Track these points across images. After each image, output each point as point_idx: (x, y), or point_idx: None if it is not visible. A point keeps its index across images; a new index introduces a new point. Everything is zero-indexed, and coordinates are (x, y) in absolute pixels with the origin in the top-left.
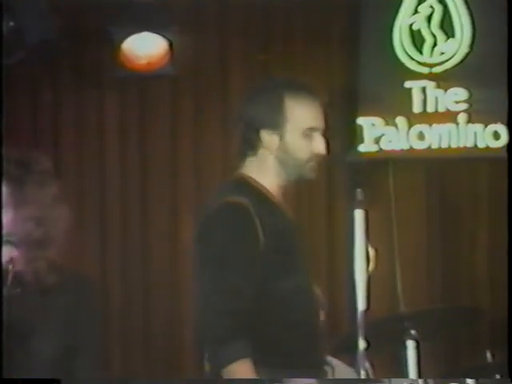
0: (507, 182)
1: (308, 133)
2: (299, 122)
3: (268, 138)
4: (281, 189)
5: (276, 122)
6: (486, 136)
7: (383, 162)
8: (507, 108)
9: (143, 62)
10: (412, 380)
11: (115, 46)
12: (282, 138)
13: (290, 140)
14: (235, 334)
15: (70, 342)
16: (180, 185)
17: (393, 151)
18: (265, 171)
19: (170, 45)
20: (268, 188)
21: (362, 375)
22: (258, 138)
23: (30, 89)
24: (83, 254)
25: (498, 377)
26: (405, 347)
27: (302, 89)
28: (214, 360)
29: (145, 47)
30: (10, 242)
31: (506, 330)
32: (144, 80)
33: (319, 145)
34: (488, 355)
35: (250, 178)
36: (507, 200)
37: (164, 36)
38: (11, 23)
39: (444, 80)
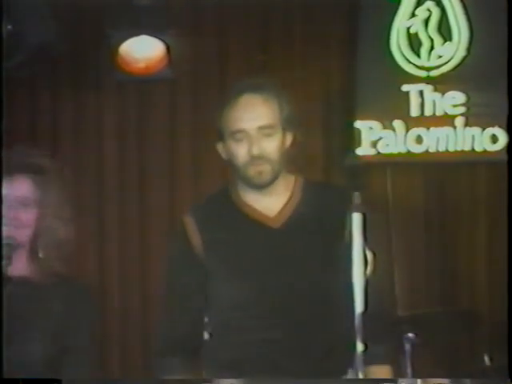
0: (507, 186)
1: (239, 136)
2: (229, 125)
3: (219, 149)
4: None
5: (217, 133)
6: (484, 139)
7: (381, 166)
8: (507, 112)
9: (141, 65)
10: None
11: (113, 49)
12: (224, 146)
13: (227, 145)
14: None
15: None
16: (178, 187)
17: (390, 155)
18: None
19: (168, 48)
20: (240, 198)
21: (360, 377)
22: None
23: (29, 91)
24: (81, 256)
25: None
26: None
27: (242, 91)
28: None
29: (143, 50)
30: (8, 245)
31: (504, 333)
32: (142, 83)
33: (249, 147)
34: (486, 359)
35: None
36: (507, 203)
37: (162, 39)
38: (9, 26)
39: (441, 83)
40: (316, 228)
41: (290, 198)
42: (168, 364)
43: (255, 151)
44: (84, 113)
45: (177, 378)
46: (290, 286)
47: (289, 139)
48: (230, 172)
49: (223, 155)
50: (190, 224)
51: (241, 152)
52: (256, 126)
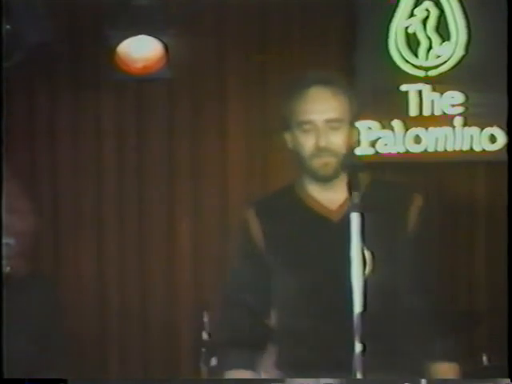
0: (507, 186)
1: (306, 128)
2: (297, 116)
3: (286, 137)
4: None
5: (285, 123)
6: (483, 139)
7: (379, 166)
8: (506, 111)
9: (139, 65)
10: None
11: (111, 49)
12: (292, 136)
13: (295, 136)
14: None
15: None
16: (177, 187)
17: (389, 155)
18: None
19: (167, 48)
20: (305, 191)
21: (359, 376)
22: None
23: (28, 91)
24: (80, 255)
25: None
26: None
27: (310, 82)
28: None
29: (141, 50)
30: (7, 245)
31: (503, 333)
32: (140, 83)
33: (316, 139)
34: (484, 358)
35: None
36: (507, 203)
37: (160, 39)
38: (8, 26)
39: (440, 83)
40: (376, 224)
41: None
42: (232, 356)
43: (322, 143)
44: (82, 112)
45: (243, 371)
46: (346, 280)
47: (356, 134)
48: (295, 164)
49: (289, 145)
50: (252, 217)
51: (308, 143)
52: (324, 119)
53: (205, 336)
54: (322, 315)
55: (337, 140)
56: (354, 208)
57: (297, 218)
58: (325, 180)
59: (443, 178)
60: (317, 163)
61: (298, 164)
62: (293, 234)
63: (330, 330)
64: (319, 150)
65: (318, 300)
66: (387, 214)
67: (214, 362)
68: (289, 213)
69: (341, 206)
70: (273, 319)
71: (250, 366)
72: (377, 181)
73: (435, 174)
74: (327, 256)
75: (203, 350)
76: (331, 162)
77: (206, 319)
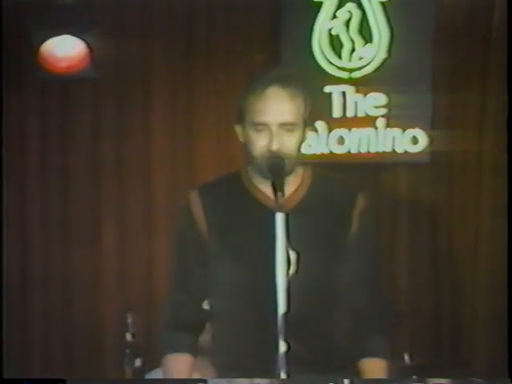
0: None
1: (259, 128)
2: (252, 115)
3: (237, 130)
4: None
5: (238, 115)
6: (405, 141)
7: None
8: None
9: (63, 64)
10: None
11: (35, 48)
12: (243, 131)
13: (246, 132)
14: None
15: None
16: (102, 187)
17: (313, 155)
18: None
19: (91, 47)
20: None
21: (283, 376)
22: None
23: None
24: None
25: (414, 377)
26: None
27: (271, 82)
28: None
29: (65, 50)
30: None
31: (425, 333)
32: (64, 82)
33: (269, 141)
34: (406, 357)
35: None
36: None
37: (84, 39)
38: None
39: (363, 85)
40: (322, 217)
41: (299, 186)
42: (170, 339)
43: (274, 146)
44: (5, 112)
45: (181, 354)
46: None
47: (307, 134)
48: (243, 155)
49: (240, 138)
50: (195, 200)
51: (259, 143)
52: (279, 122)
53: (129, 337)
54: (255, 310)
55: (289, 143)
56: (278, 208)
57: (240, 206)
58: (272, 178)
59: (366, 179)
60: (266, 163)
61: (247, 157)
62: (235, 222)
63: (261, 325)
64: (270, 153)
65: (253, 293)
66: (330, 206)
67: (137, 363)
68: (233, 200)
69: (288, 198)
70: (212, 308)
71: (189, 350)
72: (320, 178)
73: (358, 176)
74: (267, 248)
75: (127, 351)
76: (281, 163)
77: (129, 320)
